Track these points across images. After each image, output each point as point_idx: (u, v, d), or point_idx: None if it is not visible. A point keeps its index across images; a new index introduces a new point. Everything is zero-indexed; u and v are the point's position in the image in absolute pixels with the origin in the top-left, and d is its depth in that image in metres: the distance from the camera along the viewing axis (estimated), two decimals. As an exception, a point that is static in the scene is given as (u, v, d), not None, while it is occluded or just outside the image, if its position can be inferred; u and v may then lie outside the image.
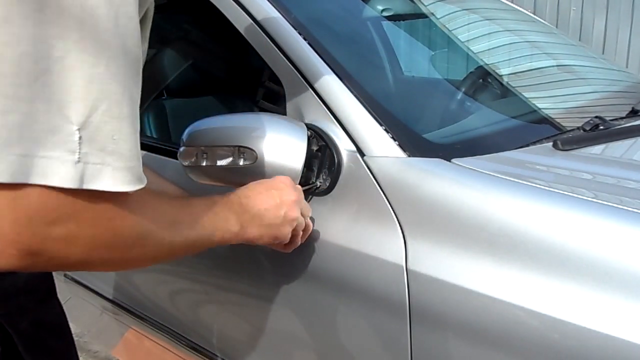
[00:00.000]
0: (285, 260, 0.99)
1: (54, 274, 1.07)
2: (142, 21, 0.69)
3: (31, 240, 0.56)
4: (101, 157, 0.56)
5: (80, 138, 0.55)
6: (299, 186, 0.90)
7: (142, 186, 0.60)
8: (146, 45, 0.74)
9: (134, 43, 0.59)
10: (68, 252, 0.59)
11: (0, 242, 0.55)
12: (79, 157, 0.55)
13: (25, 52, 0.52)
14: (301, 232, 0.89)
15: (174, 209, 0.72)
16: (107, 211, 0.60)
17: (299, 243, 0.91)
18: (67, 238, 0.58)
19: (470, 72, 1.43)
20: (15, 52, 0.52)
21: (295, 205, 0.85)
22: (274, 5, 1.12)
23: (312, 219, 0.93)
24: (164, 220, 0.69)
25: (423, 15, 1.65)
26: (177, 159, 0.99)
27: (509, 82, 1.41)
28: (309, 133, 0.96)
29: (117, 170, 0.57)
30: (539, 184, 0.83)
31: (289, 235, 0.86)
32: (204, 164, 0.95)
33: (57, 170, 0.54)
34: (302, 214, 0.88)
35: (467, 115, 1.29)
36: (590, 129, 1.07)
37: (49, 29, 0.53)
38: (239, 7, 1.13)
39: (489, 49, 1.59)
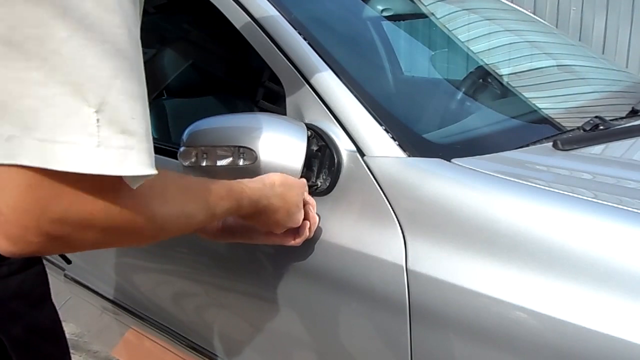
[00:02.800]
0: (285, 260, 0.99)
1: (52, 274, 1.06)
2: None
3: (50, 226, 0.55)
4: (123, 140, 0.55)
5: (98, 120, 0.53)
6: (312, 201, 0.92)
7: (155, 172, 0.59)
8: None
9: (133, 23, 0.58)
10: (85, 236, 0.58)
11: (20, 228, 0.55)
12: (98, 141, 0.53)
13: (30, 34, 0.52)
14: (307, 221, 0.90)
15: (183, 190, 0.71)
16: (122, 195, 0.59)
17: (308, 235, 0.91)
18: (85, 222, 0.57)
19: (470, 72, 1.43)
20: (21, 35, 0.51)
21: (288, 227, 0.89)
22: (273, 5, 1.12)
23: (317, 214, 0.93)
24: (175, 203, 0.69)
25: (423, 15, 1.65)
26: (177, 159, 0.99)
27: (509, 82, 1.41)
28: (309, 133, 0.96)
29: (140, 152, 0.56)
30: (539, 184, 0.83)
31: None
32: (204, 164, 0.95)
33: (77, 156, 0.53)
34: (307, 206, 0.90)
35: (467, 115, 1.29)
36: (590, 129, 1.07)
37: (50, 9, 0.52)
38: (238, 7, 1.13)
39: (489, 49, 1.59)
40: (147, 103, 0.59)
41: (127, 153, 0.55)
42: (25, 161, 0.52)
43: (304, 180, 0.93)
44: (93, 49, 0.53)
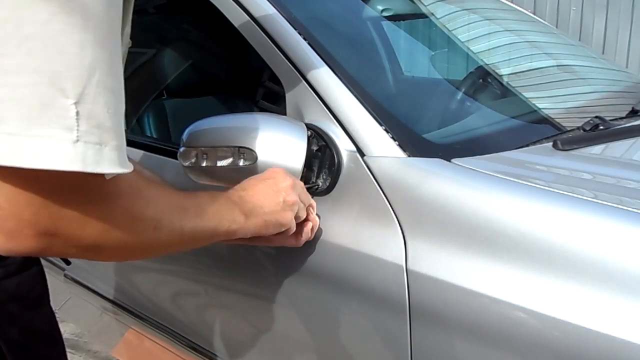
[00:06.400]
0: (285, 260, 0.99)
1: (52, 275, 1.06)
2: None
3: (47, 221, 0.54)
4: (98, 136, 0.52)
5: (77, 113, 0.50)
6: (295, 178, 0.91)
7: (129, 169, 0.56)
8: (129, 28, 0.71)
9: (117, 14, 0.56)
10: (82, 234, 0.57)
11: (17, 223, 0.53)
12: (77, 136, 0.50)
13: (5, 16, 0.48)
14: (310, 222, 0.90)
15: (180, 196, 0.71)
16: (118, 192, 0.58)
17: (310, 236, 0.91)
18: (81, 219, 0.56)
19: (470, 72, 1.43)
20: None
21: (292, 189, 0.85)
22: (273, 5, 1.12)
23: (317, 215, 0.93)
24: (174, 206, 0.68)
25: (423, 15, 1.66)
26: (177, 159, 0.99)
27: (509, 82, 1.41)
28: (309, 133, 0.96)
29: (112, 149, 0.53)
30: (539, 184, 0.83)
31: (292, 221, 0.86)
32: (204, 164, 0.95)
33: (53, 151, 0.49)
34: (308, 207, 0.89)
35: (467, 115, 1.29)
36: (590, 129, 1.07)
37: None
38: (238, 7, 1.13)
39: (489, 49, 1.59)
40: (122, 98, 0.57)
41: (102, 150, 0.52)
42: None
43: (276, 169, 0.90)
44: (74, 36, 0.50)
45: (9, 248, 0.55)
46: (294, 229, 0.87)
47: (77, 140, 0.50)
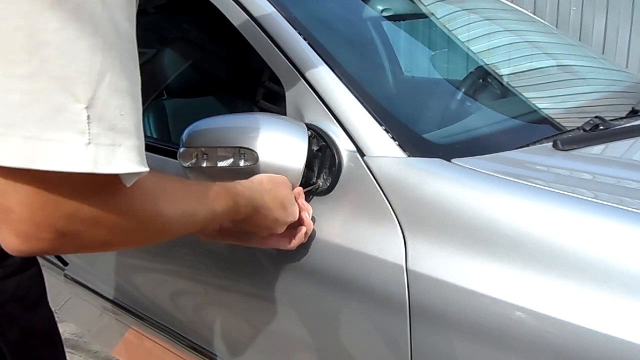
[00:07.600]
0: (285, 260, 0.99)
1: (52, 275, 1.06)
2: None
3: (59, 223, 0.54)
4: (111, 137, 0.53)
5: (88, 117, 0.52)
6: (308, 206, 0.93)
7: (147, 169, 0.58)
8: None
9: (124, 17, 0.57)
10: (95, 233, 0.58)
11: (31, 226, 0.54)
12: (89, 139, 0.51)
13: (18, 25, 0.49)
14: (304, 226, 0.91)
15: (191, 197, 0.71)
16: (130, 192, 0.58)
17: (304, 239, 0.91)
18: (94, 219, 0.57)
19: (470, 72, 1.43)
20: (7, 26, 0.49)
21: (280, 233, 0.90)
22: (273, 5, 1.12)
23: (313, 218, 0.93)
24: (185, 210, 0.69)
25: (423, 15, 1.66)
26: (177, 159, 0.99)
27: (509, 82, 1.41)
28: (309, 133, 0.96)
29: (128, 149, 0.54)
30: (539, 184, 0.83)
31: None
32: (204, 165, 0.94)
33: (67, 154, 0.51)
34: (303, 213, 0.90)
35: (467, 115, 1.29)
36: (590, 129, 1.07)
37: (41, 0, 0.50)
38: (238, 7, 1.13)
39: (489, 49, 1.59)
40: (138, 99, 0.58)
41: (115, 150, 0.54)
42: (9, 161, 0.50)
43: (284, 177, 0.92)
44: (84, 42, 0.52)
45: (22, 249, 0.56)
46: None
47: (89, 143, 0.52)
